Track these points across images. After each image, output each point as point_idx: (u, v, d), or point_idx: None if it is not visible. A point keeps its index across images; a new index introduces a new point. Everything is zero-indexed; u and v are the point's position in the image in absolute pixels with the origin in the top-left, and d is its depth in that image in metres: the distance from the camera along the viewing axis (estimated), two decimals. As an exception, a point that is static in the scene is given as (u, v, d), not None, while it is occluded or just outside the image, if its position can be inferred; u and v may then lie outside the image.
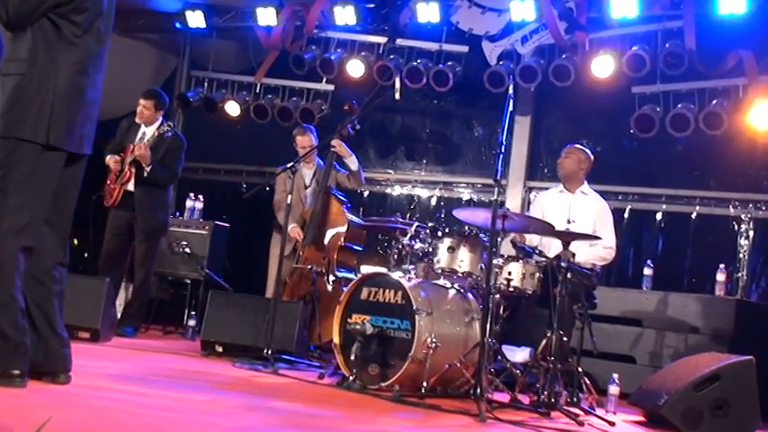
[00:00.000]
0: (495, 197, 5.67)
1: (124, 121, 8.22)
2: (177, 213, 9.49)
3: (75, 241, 9.28)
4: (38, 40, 4.11)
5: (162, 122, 8.07)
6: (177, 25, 10.52)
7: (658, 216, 9.00)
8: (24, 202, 4.07)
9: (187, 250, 8.82)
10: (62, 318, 4.36)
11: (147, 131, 8.04)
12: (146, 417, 3.84)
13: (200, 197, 9.58)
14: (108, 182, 8.05)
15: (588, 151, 7.19)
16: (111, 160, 7.92)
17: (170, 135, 7.97)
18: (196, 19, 10.26)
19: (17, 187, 4.06)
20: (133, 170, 7.89)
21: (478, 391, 5.16)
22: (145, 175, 7.84)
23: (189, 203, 9.53)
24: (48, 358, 4.24)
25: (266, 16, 9.75)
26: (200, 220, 9.31)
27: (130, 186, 7.94)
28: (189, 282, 9.02)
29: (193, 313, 8.60)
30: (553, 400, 5.46)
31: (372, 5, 9.66)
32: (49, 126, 4.09)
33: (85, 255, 9.68)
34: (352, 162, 8.03)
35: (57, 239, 4.33)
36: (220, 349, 6.97)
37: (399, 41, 9.49)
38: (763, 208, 8.54)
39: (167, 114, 10.78)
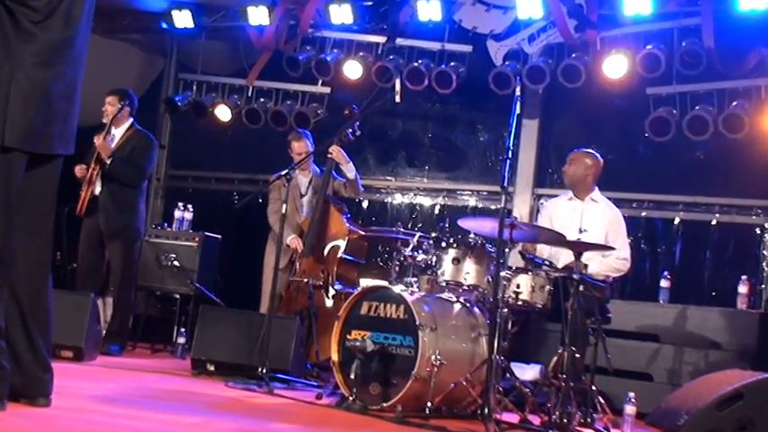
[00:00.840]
0: (503, 205, 5.65)
1: (97, 129, 8.20)
2: (165, 224, 9.49)
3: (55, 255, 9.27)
4: None
5: (132, 124, 8.15)
6: (164, 25, 10.51)
7: (675, 225, 9.00)
8: None
9: (176, 263, 8.81)
10: (47, 338, 4.30)
11: (117, 133, 8.10)
12: (134, 440, 3.85)
13: (190, 207, 9.56)
14: (80, 189, 8.07)
15: (596, 155, 7.16)
16: (77, 169, 7.92)
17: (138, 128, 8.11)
18: (183, 19, 10.25)
19: None
20: (98, 167, 7.91)
21: (486, 411, 5.16)
22: (106, 168, 7.88)
23: (177, 214, 9.51)
24: (26, 381, 4.19)
25: (258, 15, 9.74)
26: (190, 231, 9.29)
27: (98, 189, 7.98)
28: (178, 297, 9.01)
29: (183, 330, 8.58)
30: (566, 420, 5.45)
31: (370, 3, 9.67)
32: (4, 126, 3.97)
33: (60, 269, 9.67)
34: (350, 170, 8.03)
35: (35, 250, 4.28)
36: (212, 368, 6.97)
37: (399, 41, 9.50)
38: (788, 216, 8.55)
39: (154, 119, 10.89)
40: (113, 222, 7.96)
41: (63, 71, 4.18)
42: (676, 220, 9.00)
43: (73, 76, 4.25)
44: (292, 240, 7.80)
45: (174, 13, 10.25)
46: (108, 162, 7.86)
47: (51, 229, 4.40)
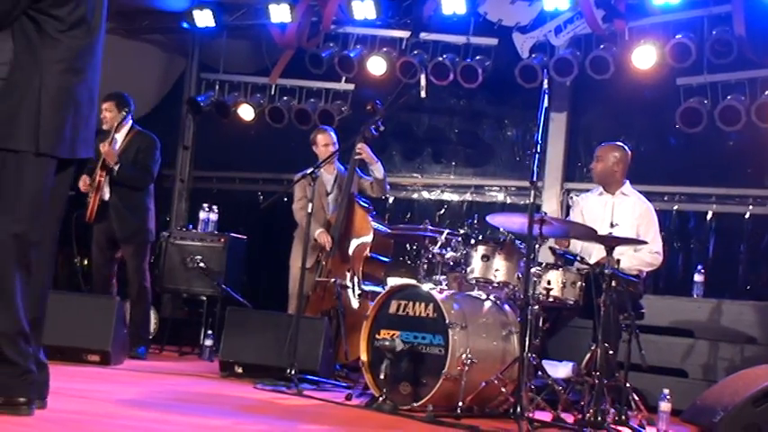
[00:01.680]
0: (532, 200, 5.65)
1: (97, 135, 8.23)
2: (190, 226, 9.54)
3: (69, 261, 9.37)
4: (19, 40, 4.07)
5: (132, 126, 8.20)
6: (185, 25, 10.58)
7: (708, 217, 8.97)
8: (16, 212, 4.06)
9: (202, 265, 8.86)
10: (40, 338, 4.32)
11: (118, 137, 8.14)
12: (164, 443, 3.89)
13: (215, 208, 9.62)
14: (87, 197, 8.12)
15: (624, 147, 7.10)
16: (81, 182, 7.96)
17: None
18: (205, 18, 10.30)
19: (8, 198, 4.05)
20: (105, 175, 7.96)
21: (518, 409, 5.17)
22: (114, 174, 7.93)
23: (203, 215, 9.57)
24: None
25: (280, 13, 9.77)
26: (215, 232, 9.35)
27: (106, 195, 8.03)
28: (205, 299, 9.07)
29: (210, 332, 8.65)
30: (600, 418, 5.43)
31: (393, -2, 9.71)
32: (38, 133, 4.06)
33: (74, 273, 9.77)
34: (378, 169, 8.05)
35: (44, 250, 4.31)
36: (240, 370, 7.02)
37: (423, 35, 9.51)
38: (823, 206, 8.51)
39: (177, 119, 10.96)
40: (127, 226, 8.03)
41: (87, 77, 4.27)
42: (709, 213, 8.96)
43: (94, 81, 4.34)
44: (320, 234, 7.82)
45: (196, 12, 10.30)
46: (116, 168, 7.91)
47: (59, 228, 4.45)
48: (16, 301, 4.05)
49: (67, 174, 4.38)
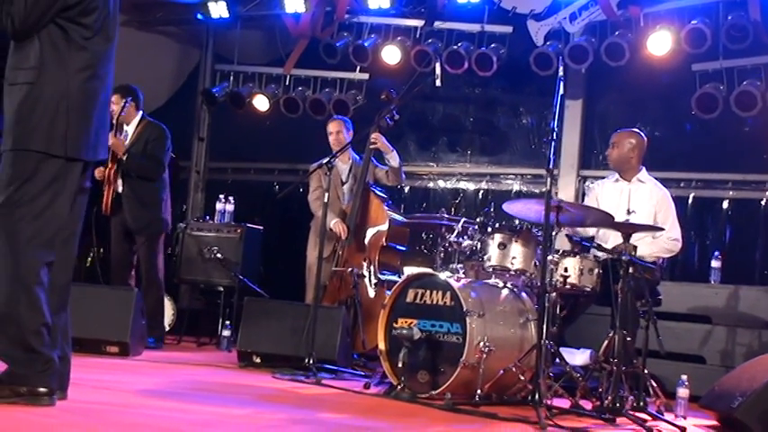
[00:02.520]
0: (548, 188, 5.64)
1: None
2: (207, 217, 9.57)
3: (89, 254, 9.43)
4: (45, 45, 4.13)
5: (142, 117, 8.22)
6: (199, 16, 10.60)
7: (725, 204, 8.96)
8: (44, 214, 4.13)
9: (219, 256, 8.87)
10: (66, 332, 4.39)
11: (129, 129, 8.18)
12: (186, 433, 3.92)
13: (231, 199, 9.65)
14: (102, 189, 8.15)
15: (639, 133, 7.07)
16: (96, 171, 7.99)
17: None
18: (218, 9, 10.31)
19: (35, 200, 4.11)
20: (115, 167, 7.99)
21: (537, 397, 5.18)
22: (123, 165, 7.97)
23: (219, 206, 9.61)
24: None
25: (294, 3, 9.78)
26: (232, 223, 9.38)
27: (119, 187, 8.08)
28: (222, 289, 9.10)
29: (228, 323, 8.69)
30: (618, 404, 5.44)
31: (407, -14, 9.70)
32: (66, 137, 4.14)
33: (93, 266, 9.82)
34: (393, 158, 8.05)
35: (66, 246, 4.38)
36: (258, 360, 7.06)
37: (438, 24, 9.52)
38: (840, 191, 8.49)
39: (192, 111, 10.99)
40: (139, 218, 8.07)
41: (107, 82, 4.37)
42: (726, 199, 8.95)
43: (110, 83, 4.44)
44: (336, 224, 7.83)
45: (210, 3, 10.30)
46: (123, 159, 7.95)
47: (82, 224, 4.50)
48: (40, 295, 4.11)
49: (87, 174, 4.45)
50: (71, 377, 4.36)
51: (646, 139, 7.08)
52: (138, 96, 8.22)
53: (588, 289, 6.05)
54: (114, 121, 8.03)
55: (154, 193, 8.17)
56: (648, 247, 6.60)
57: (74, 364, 4.40)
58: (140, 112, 8.24)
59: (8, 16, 4.08)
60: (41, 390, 4.07)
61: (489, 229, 6.24)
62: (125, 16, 9.24)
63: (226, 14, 10.35)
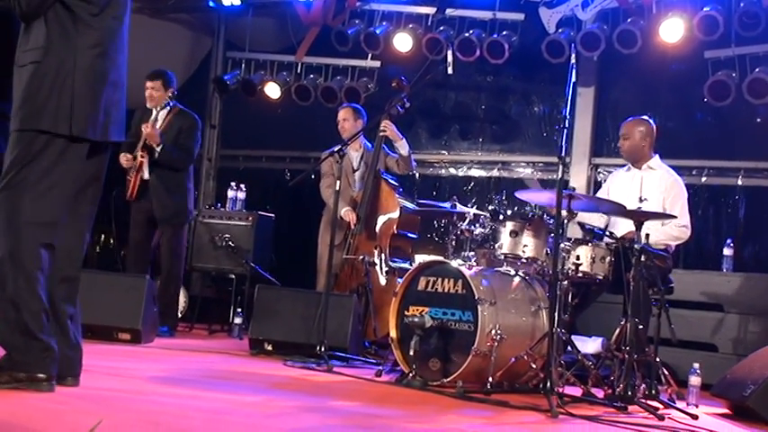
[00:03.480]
0: (560, 176, 5.62)
1: (137, 111, 8.22)
2: (218, 205, 9.57)
3: (109, 240, 9.44)
4: (52, 25, 4.13)
5: (173, 105, 8.17)
6: (210, 4, 10.61)
7: (737, 192, 8.91)
8: (47, 195, 4.12)
9: (230, 243, 8.88)
10: (75, 319, 4.39)
11: (159, 117, 8.13)
12: (198, 420, 3.91)
13: (242, 187, 9.66)
14: (127, 175, 8.15)
15: (648, 120, 7.03)
16: (122, 158, 7.98)
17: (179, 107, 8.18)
18: (230, -4, 10.32)
19: (38, 181, 4.10)
20: (146, 155, 7.99)
21: (548, 385, 5.16)
22: (156, 156, 7.95)
23: (230, 194, 9.61)
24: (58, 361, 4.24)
25: (305, -10, 9.78)
26: (243, 210, 9.38)
27: (146, 174, 8.06)
28: (233, 277, 9.12)
29: (239, 310, 8.70)
30: (630, 393, 5.44)
31: (419, -27, 9.67)
32: (71, 115, 4.11)
33: (111, 252, 9.83)
34: (403, 146, 8.04)
35: (75, 235, 4.38)
36: (270, 348, 7.06)
37: (449, 11, 9.49)
38: None
39: (204, 99, 10.98)
40: (167, 206, 8.05)
41: (117, 60, 4.33)
42: (738, 187, 8.90)
43: (123, 64, 4.40)
44: (346, 213, 7.84)
45: (221, -10, 10.31)
46: (158, 150, 7.93)
47: (95, 212, 4.48)
48: (39, 280, 4.10)
49: (102, 157, 4.43)
50: (83, 364, 4.37)
51: (654, 125, 7.04)
52: (171, 78, 8.20)
53: (600, 277, 6.02)
54: (150, 106, 8.02)
55: (181, 183, 8.16)
56: (656, 234, 6.56)
57: (85, 351, 4.40)
58: (171, 98, 8.16)
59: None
60: (40, 375, 4.07)
61: (501, 217, 6.23)
62: (137, 3, 9.22)
63: (237, 2, 10.36)
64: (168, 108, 8.13)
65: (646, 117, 7.10)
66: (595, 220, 6.83)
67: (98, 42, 4.22)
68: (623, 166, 7.21)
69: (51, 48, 4.12)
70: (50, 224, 4.16)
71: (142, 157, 7.94)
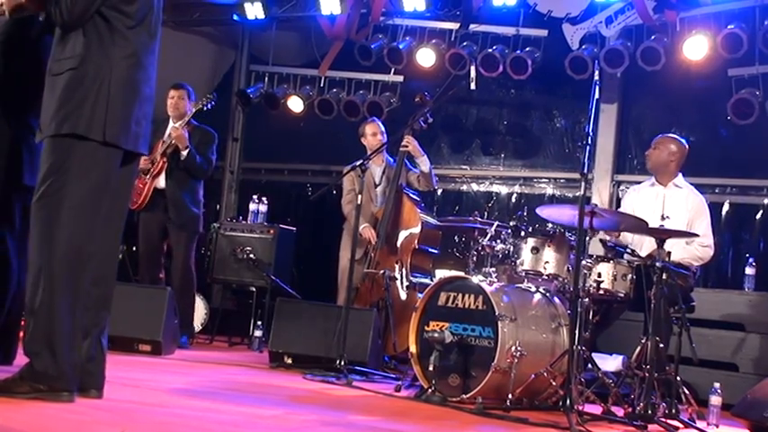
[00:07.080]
0: (582, 192, 5.59)
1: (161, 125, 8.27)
2: (240, 217, 9.60)
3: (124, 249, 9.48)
4: (90, 35, 4.18)
5: (190, 122, 8.21)
6: (235, 17, 10.66)
7: (760, 210, 8.87)
8: (83, 205, 4.15)
9: (251, 256, 8.91)
10: (103, 327, 4.42)
11: (178, 126, 8.16)
12: (217, 432, 3.93)
13: (264, 200, 9.69)
14: (136, 182, 8.14)
15: (681, 141, 7.11)
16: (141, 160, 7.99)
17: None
18: (255, 10, 10.34)
19: (74, 190, 4.12)
20: (165, 162, 8.02)
21: (568, 402, 5.15)
22: (182, 158, 7.98)
23: (252, 206, 9.65)
24: (80, 373, 4.26)
25: (329, 4, 9.79)
26: (265, 223, 9.41)
27: (161, 183, 8.09)
28: (254, 290, 9.13)
29: (260, 323, 8.71)
30: (650, 411, 5.41)
31: (443, -11, 9.69)
32: (105, 121, 4.15)
33: (120, 262, 9.86)
34: (424, 163, 8.06)
35: (110, 244, 4.42)
36: (290, 361, 7.07)
37: (473, 27, 9.50)
38: None
39: (227, 111, 11.02)
40: (184, 214, 8.08)
41: (150, 74, 4.40)
42: (761, 206, 8.86)
43: (153, 79, 4.46)
44: (365, 230, 7.86)
45: (246, 4, 10.33)
46: (184, 153, 7.96)
47: (123, 224, 4.52)
48: (71, 293, 4.13)
49: (132, 168, 4.49)
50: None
51: (687, 147, 7.06)
52: (192, 93, 8.28)
53: (621, 295, 6.02)
54: (173, 114, 8.09)
55: (195, 192, 8.21)
56: (680, 253, 6.55)
57: (106, 363, 4.42)
58: (189, 111, 8.23)
59: (57, 8, 4.13)
60: (61, 387, 4.08)
61: (522, 233, 6.23)
62: (162, 16, 9.28)
63: (262, 15, 10.38)
64: (186, 121, 8.18)
65: (681, 139, 7.13)
66: (628, 238, 6.84)
67: (133, 53, 4.28)
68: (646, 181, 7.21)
69: (89, 56, 4.17)
70: (85, 234, 4.18)
71: (162, 162, 7.98)
